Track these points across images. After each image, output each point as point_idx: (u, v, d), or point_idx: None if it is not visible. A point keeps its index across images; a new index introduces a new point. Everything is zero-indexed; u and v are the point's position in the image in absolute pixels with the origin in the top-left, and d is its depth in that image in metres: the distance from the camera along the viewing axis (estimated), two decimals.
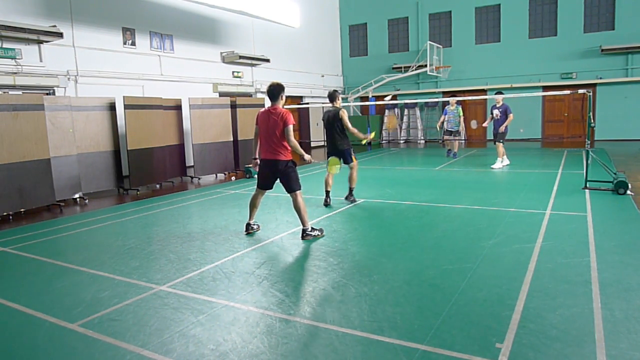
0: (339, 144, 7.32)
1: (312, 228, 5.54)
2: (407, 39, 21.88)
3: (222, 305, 3.72)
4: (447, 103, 20.37)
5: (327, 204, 7.50)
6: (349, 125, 7.24)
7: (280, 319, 3.44)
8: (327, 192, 7.55)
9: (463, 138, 18.15)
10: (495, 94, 11.57)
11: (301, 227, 5.58)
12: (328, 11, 22.66)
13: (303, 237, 5.47)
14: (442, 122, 13.86)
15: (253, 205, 5.91)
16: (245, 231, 5.92)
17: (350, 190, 7.63)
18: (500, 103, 11.28)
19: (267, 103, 5.78)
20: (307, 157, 5.68)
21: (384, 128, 21.52)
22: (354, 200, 7.60)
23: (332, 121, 7.29)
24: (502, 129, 11.13)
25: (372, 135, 7.82)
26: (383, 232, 5.94)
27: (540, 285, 3.86)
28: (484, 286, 3.88)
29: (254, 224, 5.99)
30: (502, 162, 11.40)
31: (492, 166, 11.32)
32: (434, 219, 6.46)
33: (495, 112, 11.30)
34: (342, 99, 22.54)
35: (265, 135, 5.45)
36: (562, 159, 12.59)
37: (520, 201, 7.26)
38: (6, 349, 3.20)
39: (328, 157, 7.46)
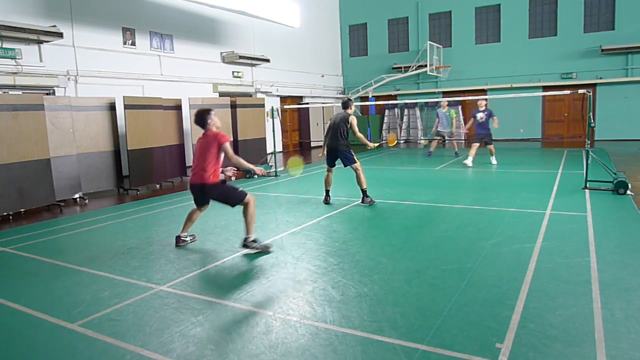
0: (340, 144, 7.32)
1: (254, 240, 5.08)
2: (407, 39, 21.88)
3: (222, 305, 3.72)
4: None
5: (327, 202, 7.57)
6: (357, 130, 7.27)
7: (281, 319, 3.44)
8: (327, 192, 7.61)
9: (462, 138, 18.19)
10: (479, 101, 11.97)
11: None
12: (328, 11, 22.66)
13: (243, 247, 5.09)
14: (437, 126, 14.08)
15: (189, 219, 5.55)
16: (176, 244, 5.49)
17: (364, 192, 7.38)
18: (484, 107, 11.80)
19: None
20: (258, 170, 5.21)
21: (382, 138, 21.54)
22: (372, 202, 7.36)
23: (339, 122, 7.35)
24: (495, 125, 11.78)
25: (376, 145, 8.03)
26: (383, 232, 5.94)
27: (540, 285, 3.86)
28: (484, 286, 3.88)
29: (186, 237, 5.58)
30: (495, 158, 12.05)
31: (465, 161, 11.83)
32: (434, 219, 6.46)
33: (480, 115, 11.74)
34: (342, 99, 22.72)
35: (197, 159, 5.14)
36: (562, 159, 12.59)
37: (520, 201, 7.26)
38: (6, 349, 3.20)
39: (328, 156, 7.49)
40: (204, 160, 5.03)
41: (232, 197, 5.11)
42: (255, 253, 5.07)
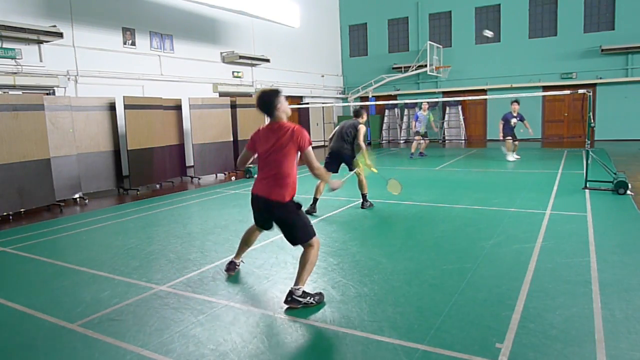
0: (345, 148, 7.09)
1: (304, 292, 3.64)
2: (407, 39, 21.88)
3: (222, 305, 3.72)
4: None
5: (310, 212, 6.85)
6: (362, 140, 7.04)
7: (281, 319, 3.44)
8: (315, 200, 7.07)
9: (437, 139, 18.34)
10: (512, 102, 12.62)
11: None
12: (328, 11, 22.66)
13: (287, 301, 3.61)
14: (414, 126, 14.47)
15: (244, 242, 4.44)
16: (227, 270, 4.49)
17: (364, 196, 7.26)
18: (516, 113, 12.61)
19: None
20: (335, 184, 4.10)
21: (383, 138, 21.55)
22: (371, 205, 7.26)
23: (347, 128, 7.11)
24: (530, 132, 13.10)
25: (360, 170, 7.05)
26: (383, 232, 5.93)
27: (540, 285, 3.86)
28: (484, 286, 3.88)
29: (239, 263, 4.56)
30: (512, 155, 12.82)
31: (508, 158, 12.69)
32: (434, 219, 6.46)
33: (514, 120, 12.61)
34: (342, 99, 22.75)
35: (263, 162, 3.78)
36: (562, 159, 12.59)
37: (520, 201, 7.26)
38: (6, 349, 3.20)
39: (330, 160, 7.13)
40: (279, 167, 3.63)
41: (300, 232, 3.67)
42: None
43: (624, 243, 4.97)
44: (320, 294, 3.73)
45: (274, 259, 4.91)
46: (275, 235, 5.81)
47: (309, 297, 3.61)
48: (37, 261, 5.20)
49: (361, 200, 7.34)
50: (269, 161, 3.69)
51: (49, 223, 7.29)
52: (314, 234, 3.72)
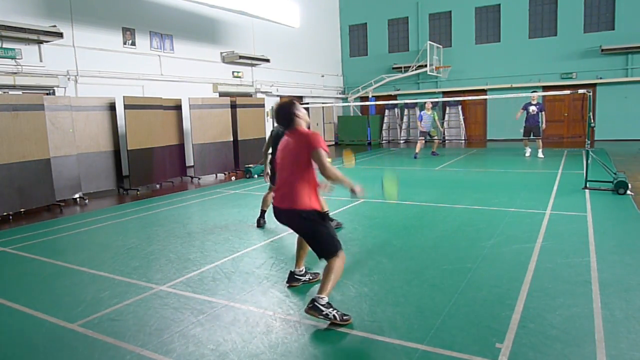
0: None
1: (328, 304, 3.35)
2: (407, 39, 21.88)
3: (222, 305, 3.72)
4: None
5: (260, 225, 6.31)
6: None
7: (280, 319, 3.44)
8: (263, 212, 6.38)
9: (440, 138, 18.31)
10: (532, 92, 12.90)
11: None
12: (328, 11, 22.66)
13: (308, 308, 3.35)
14: (421, 127, 14.40)
15: (299, 247, 4.10)
16: (288, 283, 4.13)
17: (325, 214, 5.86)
18: (536, 100, 12.63)
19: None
20: (357, 189, 3.52)
21: (382, 138, 21.53)
22: (338, 225, 6.18)
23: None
24: (543, 126, 12.80)
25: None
26: (383, 232, 5.93)
27: (540, 285, 3.86)
28: (484, 286, 3.88)
29: (300, 273, 4.14)
30: (542, 152, 12.88)
31: (539, 155, 12.80)
32: (434, 219, 6.46)
33: (532, 108, 12.59)
34: (342, 99, 22.75)
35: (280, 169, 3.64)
36: (562, 159, 12.59)
37: (520, 201, 7.26)
38: (6, 349, 3.20)
39: (272, 173, 5.78)
40: (290, 172, 3.48)
41: (325, 243, 3.45)
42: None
43: (624, 243, 4.97)
44: (348, 315, 3.38)
45: (274, 259, 4.91)
46: (274, 236, 5.81)
47: (332, 309, 3.30)
48: (37, 261, 5.20)
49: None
50: (284, 166, 3.56)
51: (49, 223, 7.29)
52: (340, 246, 3.48)
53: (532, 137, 12.86)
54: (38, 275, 4.71)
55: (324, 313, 3.28)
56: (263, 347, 3.02)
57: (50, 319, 3.61)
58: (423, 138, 14.35)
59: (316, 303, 3.31)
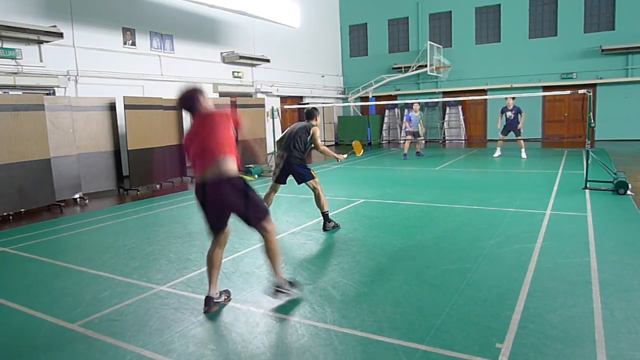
0: (292, 156, 5.96)
1: (288, 281, 3.73)
2: (407, 39, 21.88)
3: (222, 305, 3.72)
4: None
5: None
6: (320, 144, 6.14)
7: (280, 319, 3.44)
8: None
9: (424, 139, 18.32)
10: (506, 98, 12.92)
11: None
12: (328, 11, 22.66)
13: (274, 296, 3.66)
14: (407, 127, 14.59)
15: (212, 267, 3.73)
16: (205, 307, 3.61)
17: (325, 216, 6.05)
18: (512, 105, 12.87)
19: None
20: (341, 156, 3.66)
21: (383, 138, 21.52)
22: (335, 226, 6.10)
23: (297, 131, 6.10)
24: (520, 125, 12.95)
25: (345, 156, 6.55)
26: (383, 232, 5.93)
27: (540, 285, 3.86)
28: (484, 286, 3.88)
29: (217, 296, 3.70)
30: (525, 152, 13.11)
31: (522, 156, 12.98)
32: (434, 219, 6.46)
33: (509, 114, 12.92)
34: (343, 99, 22.76)
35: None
36: (562, 159, 12.59)
37: (520, 201, 7.26)
38: (6, 349, 3.20)
39: (279, 169, 6.06)
40: (214, 142, 3.67)
41: (255, 208, 3.67)
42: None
43: (624, 243, 4.97)
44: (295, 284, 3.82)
45: None
46: (275, 236, 5.80)
47: (291, 286, 3.76)
48: (37, 261, 5.20)
49: (323, 221, 6.05)
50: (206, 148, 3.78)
51: (49, 223, 7.29)
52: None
53: (515, 137, 13.10)
54: (38, 275, 4.71)
55: (282, 290, 3.67)
56: (263, 347, 3.02)
57: (50, 319, 3.61)
58: (411, 138, 14.54)
59: (281, 289, 3.67)
